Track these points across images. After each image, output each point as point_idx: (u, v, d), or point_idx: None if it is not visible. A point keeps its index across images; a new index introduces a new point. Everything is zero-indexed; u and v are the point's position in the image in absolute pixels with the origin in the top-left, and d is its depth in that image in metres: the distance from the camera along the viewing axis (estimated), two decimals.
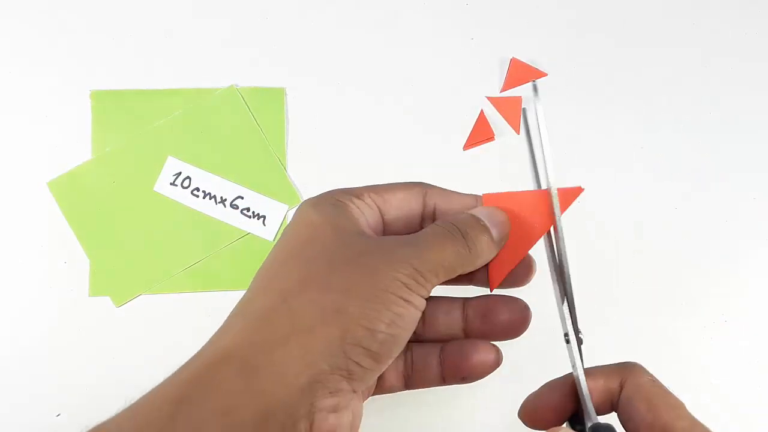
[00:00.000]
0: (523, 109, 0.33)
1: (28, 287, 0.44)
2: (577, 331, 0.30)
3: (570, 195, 0.33)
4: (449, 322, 0.32)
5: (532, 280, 0.32)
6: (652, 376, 0.29)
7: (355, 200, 0.31)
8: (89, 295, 0.44)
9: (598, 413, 0.28)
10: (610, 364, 0.29)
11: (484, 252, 0.30)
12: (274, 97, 0.47)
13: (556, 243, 0.31)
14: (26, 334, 0.43)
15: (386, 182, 0.33)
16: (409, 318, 0.28)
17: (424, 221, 0.32)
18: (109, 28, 0.48)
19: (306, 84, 0.48)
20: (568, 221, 0.46)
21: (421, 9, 0.50)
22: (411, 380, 0.33)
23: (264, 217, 0.46)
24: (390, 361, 0.28)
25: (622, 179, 0.47)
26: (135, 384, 0.44)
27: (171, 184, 0.46)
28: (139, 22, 0.48)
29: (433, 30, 0.49)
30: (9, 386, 0.43)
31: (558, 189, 0.32)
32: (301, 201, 0.45)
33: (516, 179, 0.47)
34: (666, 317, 0.45)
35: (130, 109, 0.47)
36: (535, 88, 0.31)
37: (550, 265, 0.31)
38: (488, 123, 0.48)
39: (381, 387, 0.32)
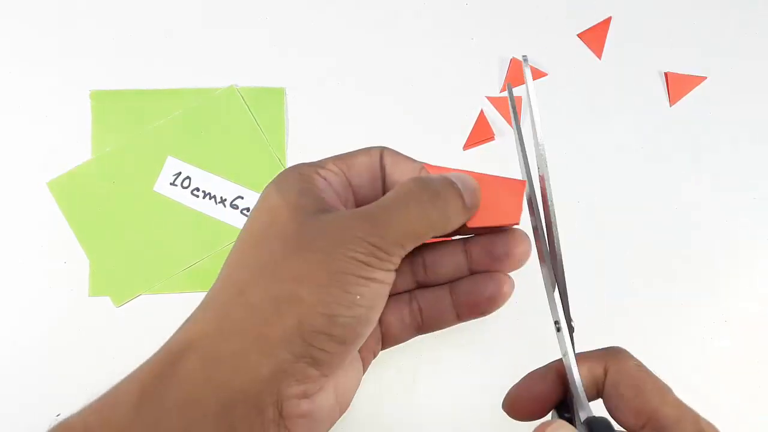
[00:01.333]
0: (512, 98, 0.32)
1: (28, 287, 0.44)
2: (568, 319, 0.29)
3: (518, 186, 0.32)
4: (454, 264, 0.32)
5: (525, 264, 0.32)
6: (637, 360, 0.28)
7: (320, 170, 0.30)
8: (89, 295, 0.44)
9: None
10: (595, 350, 0.29)
11: (455, 216, 0.29)
12: (274, 97, 0.47)
13: (548, 228, 0.30)
14: (26, 334, 0.43)
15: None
16: (372, 295, 0.27)
17: (385, 184, 0.31)
18: (109, 28, 0.48)
19: (306, 84, 0.48)
20: (568, 220, 0.46)
21: (421, 9, 0.50)
22: (423, 326, 0.32)
23: None
24: (361, 341, 0.27)
25: (622, 179, 0.47)
26: None
27: (171, 184, 0.46)
28: (139, 22, 0.48)
29: (433, 30, 0.49)
30: (9, 386, 0.43)
31: (503, 179, 0.31)
32: None
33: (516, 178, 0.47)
34: (666, 317, 0.45)
35: (130, 109, 0.47)
36: (525, 59, 0.30)
37: (540, 250, 0.30)
38: (488, 123, 0.48)
39: (389, 340, 0.32)
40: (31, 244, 0.45)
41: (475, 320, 0.37)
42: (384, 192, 0.31)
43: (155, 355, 0.27)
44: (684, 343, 0.45)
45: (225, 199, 0.46)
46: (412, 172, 0.31)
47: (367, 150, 0.31)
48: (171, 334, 0.28)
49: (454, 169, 0.31)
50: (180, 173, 0.46)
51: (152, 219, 0.45)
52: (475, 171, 0.31)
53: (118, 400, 0.26)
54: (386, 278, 0.27)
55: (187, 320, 0.28)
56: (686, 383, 0.44)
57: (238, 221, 0.46)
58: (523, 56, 0.31)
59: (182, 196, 0.46)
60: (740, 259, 0.46)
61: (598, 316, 0.45)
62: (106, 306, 0.44)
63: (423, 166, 0.31)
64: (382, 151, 0.31)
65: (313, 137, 0.47)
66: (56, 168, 0.46)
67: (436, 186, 0.28)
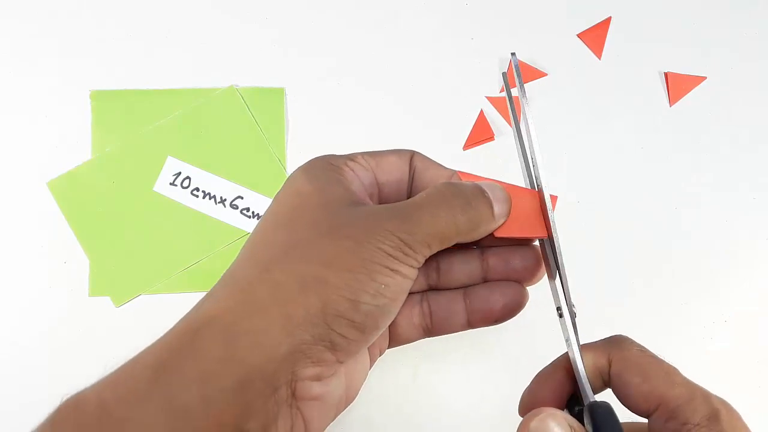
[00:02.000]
0: (511, 102, 0.33)
1: (28, 287, 0.44)
2: (570, 305, 0.29)
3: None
4: (468, 270, 0.32)
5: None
6: (640, 346, 0.28)
7: (350, 162, 0.30)
8: (89, 295, 0.44)
9: (593, 392, 0.28)
10: (597, 341, 0.29)
11: (482, 225, 0.29)
12: (274, 97, 0.47)
13: (544, 216, 0.31)
14: (26, 334, 0.43)
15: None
16: (396, 287, 0.27)
17: (412, 186, 0.32)
18: (109, 28, 0.48)
19: (306, 84, 0.48)
20: (568, 220, 0.46)
21: (421, 9, 0.50)
22: (433, 329, 0.32)
23: None
24: (379, 332, 0.28)
25: (622, 179, 0.47)
26: None
27: (171, 184, 0.46)
28: (139, 22, 0.48)
29: (433, 30, 0.49)
30: (9, 386, 0.43)
31: (533, 191, 0.32)
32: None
33: (516, 179, 0.47)
34: (666, 317, 0.45)
35: (130, 109, 0.47)
36: (522, 89, 0.31)
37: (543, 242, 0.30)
38: (488, 123, 0.48)
39: (396, 339, 0.32)
40: (31, 244, 0.45)
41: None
42: (409, 194, 0.32)
43: (172, 329, 0.27)
44: (684, 343, 0.45)
45: (225, 199, 0.46)
46: (444, 177, 0.31)
47: (398, 151, 0.32)
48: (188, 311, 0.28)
49: (486, 178, 0.31)
50: (180, 173, 0.46)
51: (152, 219, 0.45)
52: (508, 182, 0.31)
53: (133, 374, 0.26)
54: (410, 274, 0.27)
55: (207, 296, 0.28)
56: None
57: (238, 221, 0.46)
58: (512, 53, 0.31)
59: (182, 196, 0.46)
60: (740, 259, 0.46)
61: (598, 316, 0.45)
62: (106, 306, 0.44)
63: (456, 172, 0.32)
64: (413, 154, 0.32)
65: (313, 137, 0.47)
66: (56, 168, 0.46)
67: (467, 193, 0.29)
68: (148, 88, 0.47)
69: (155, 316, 0.44)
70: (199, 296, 0.28)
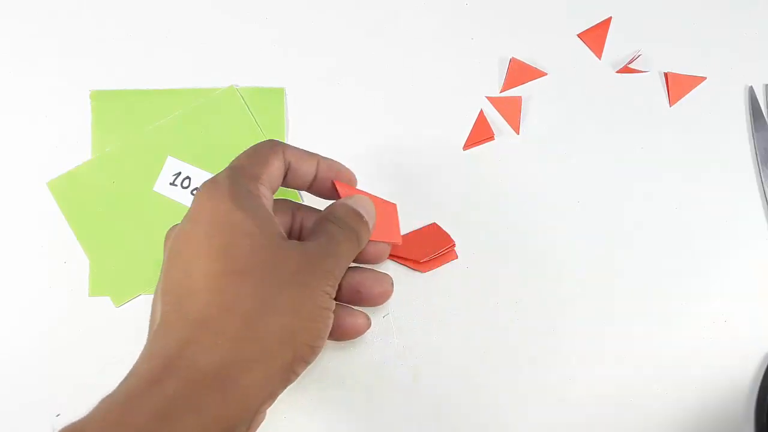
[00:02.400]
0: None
1: (27, 287, 0.44)
2: None
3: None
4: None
5: None
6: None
7: (260, 187, 0.32)
8: (89, 295, 0.44)
9: None
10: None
11: (365, 242, 0.35)
12: (274, 97, 0.47)
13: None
14: (26, 334, 0.43)
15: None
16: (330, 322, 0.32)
17: (287, 177, 0.36)
18: (109, 28, 0.48)
19: (306, 84, 0.48)
20: (567, 221, 0.46)
21: (421, 9, 0.50)
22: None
23: None
24: None
25: (622, 179, 0.47)
26: None
27: (171, 184, 0.46)
28: (139, 22, 0.48)
29: (432, 30, 0.49)
30: (8, 386, 0.43)
31: (383, 201, 0.40)
32: (300, 200, 0.45)
33: (516, 179, 0.47)
34: (666, 317, 0.45)
35: (130, 109, 0.47)
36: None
37: None
38: (488, 123, 0.48)
39: None
40: (30, 244, 0.45)
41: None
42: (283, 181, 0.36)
43: (169, 372, 0.27)
44: (684, 343, 0.45)
45: None
46: (312, 166, 0.36)
47: (272, 149, 0.34)
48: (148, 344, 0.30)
49: (357, 190, 0.38)
50: (180, 173, 0.46)
51: (152, 219, 0.45)
52: (369, 193, 0.38)
53: (135, 424, 0.26)
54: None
55: (183, 339, 0.28)
56: (686, 384, 0.44)
57: None
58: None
59: (182, 196, 0.46)
60: (740, 259, 0.46)
61: (597, 317, 0.45)
62: (106, 306, 0.44)
63: (319, 159, 0.36)
64: (284, 148, 0.35)
65: (313, 137, 0.47)
66: (56, 168, 0.46)
67: (354, 225, 0.34)
68: (148, 88, 0.47)
69: None
70: None
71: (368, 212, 0.35)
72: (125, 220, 0.45)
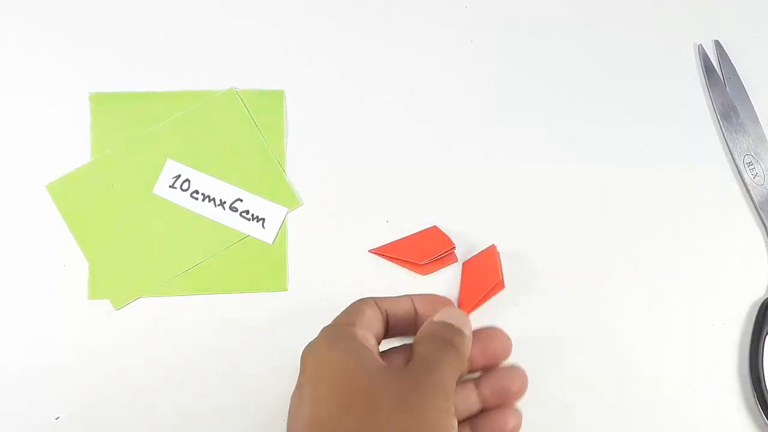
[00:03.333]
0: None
1: (26, 290, 0.44)
2: None
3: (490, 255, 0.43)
4: (468, 405, 0.35)
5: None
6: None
7: (356, 330, 0.33)
8: (88, 298, 0.44)
9: None
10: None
11: (466, 348, 0.34)
12: (274, 100, 0.47)
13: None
14: (25, 337, 0.43)
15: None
16: None
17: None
18: (108, 30, 0.48)
19: (305, 86, 0.48)
20: (567, 222, 0.46)
21: (420, 11, 0.50)
22: None
23: (263, 219, 0.46)
24: None
25: (621, 179, 0.47)
26: (134, 387, 0.44)
27: (170, 186, 0.46)
28: (139, 25, 0.48)
29: (432, 32, 0.49)
30: (8, 389, 0.42)
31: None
32: (300, 205, 0.45)
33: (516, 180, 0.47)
34: (665, 319, 0.45)
35: (130, 112, 0.47)
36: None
37: None
38: None
39: None
40: (29, 247, 0.44)
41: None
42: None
43: None
44: (684, 343, 0.45)
45: (224, 202, 0.46)
46: (406, 303, 0.36)
47: (364, 301, 0.35)
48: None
49: (444, 300, 0.37)
50: (179, 176, 0.46)
51: (151, 222, 0.45)
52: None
53: None
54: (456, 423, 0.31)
55: None
56: (686, 385, 0.44)
57: (238, 224, 0.45)
58: None
59: (181, 199, 0.46)
60: (740, 260, 0.46)
61: (597, 317, 0.45)
62: (105, 309, 0.44)
63: (412, 297, 0.37)
64: (376, 299, 0.36)
65: (313, 140, 0.47)
66: (55, 170, 0.45)
67: (447, 337, 0.33)
68: (147, 90, 0.47)
69: (154, 319, 0.44)
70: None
71: (458, 320, 0.34)
72: (124, 222, 0.45)
